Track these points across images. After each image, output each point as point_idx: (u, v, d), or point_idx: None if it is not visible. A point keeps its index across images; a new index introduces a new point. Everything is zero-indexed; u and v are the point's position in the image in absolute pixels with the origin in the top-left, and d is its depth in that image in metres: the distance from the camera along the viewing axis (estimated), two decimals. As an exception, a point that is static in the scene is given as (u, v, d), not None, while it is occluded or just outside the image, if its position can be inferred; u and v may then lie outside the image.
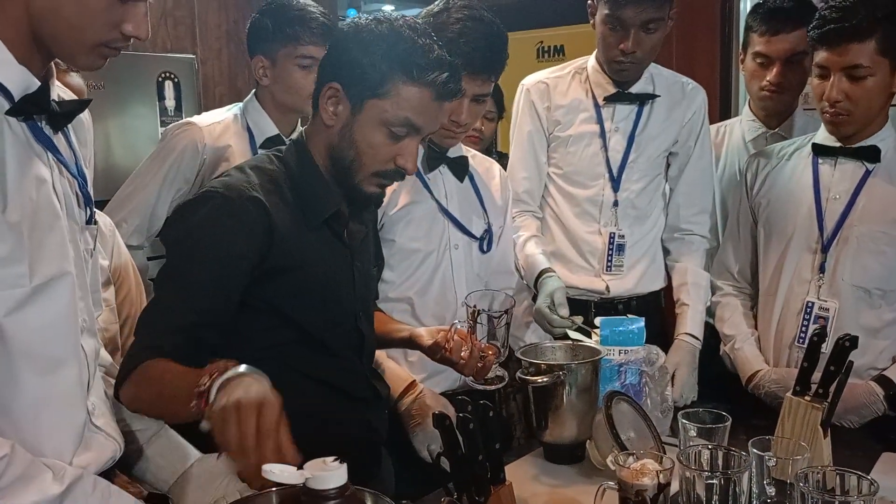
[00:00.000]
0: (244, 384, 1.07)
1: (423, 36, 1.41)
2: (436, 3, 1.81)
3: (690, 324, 2.10)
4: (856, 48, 1.78)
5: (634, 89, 2.19)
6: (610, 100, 2.18)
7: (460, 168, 1.93)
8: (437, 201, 1.90)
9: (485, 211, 1.98)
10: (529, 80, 2.27)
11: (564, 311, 1.93)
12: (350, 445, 1.36)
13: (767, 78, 2.31)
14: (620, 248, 2.18)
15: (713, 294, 2.19)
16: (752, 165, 2.12)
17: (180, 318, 1.31)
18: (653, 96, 2.18)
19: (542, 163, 2.24)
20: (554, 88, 2.23)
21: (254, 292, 1.39)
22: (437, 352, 1.56)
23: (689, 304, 2.13)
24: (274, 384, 1.27)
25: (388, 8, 5.09)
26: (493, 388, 1.64)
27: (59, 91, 1.23)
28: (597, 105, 2.19)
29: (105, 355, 1.40)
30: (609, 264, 2.19)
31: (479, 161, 2.06)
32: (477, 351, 1.54)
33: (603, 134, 2.18)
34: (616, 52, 2.08)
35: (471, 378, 1.60)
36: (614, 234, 2.18)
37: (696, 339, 2.09)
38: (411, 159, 1.42)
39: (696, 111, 2.22)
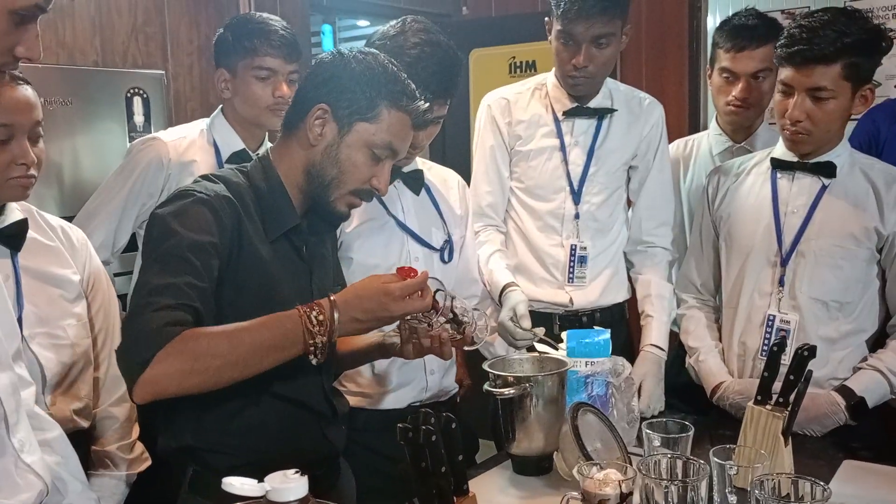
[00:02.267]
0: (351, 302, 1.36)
1: (402, 70, 1.52)
2: (391, 24, 1.83)
3: (655, 335, 2.12)
4: (821, 71, 1.81)
5: (593, 104, 2.22)
6: (569, 114, 2.21)
7: (415, 181, 1.96)
8: (393, 216, 1.92)
9: (444, 222, 2.00)
10: (491, 97, 2.31)
11: (527, 323, 1.95)
12: (305, 458, 1.38)
13: (733, 93, 2.35)
14: (582, 259, 2.21)
15: (678, 307, 2.22)
16: (713, 180, 2.15)
17: (185, 295, 1.31)
18: (611, 110, 2.22)
19: (505, 177, 2.27)
20: (515, 104, 2.27)
21: (216, 305, 1.40)
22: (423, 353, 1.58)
23: (653, 316, 2.16)
24: (230, 396, 1.36)
25: (362, 23, 5.12)
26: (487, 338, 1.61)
27: None
28: (556, 119, 2.23)
29: (28, 394, 1.29)
30: (571, 276, 2.21)
31: (435, 172, 2.08)
32: (445, 333, 1.54)
33: (563, 148, 2.22)
34: (569, 66, 2.12)
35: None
36: (576, 245, 2.20)
37: (662, 349, 2.11)
38: (384, 180, 1.51)
39: (653, 125, 2.26)
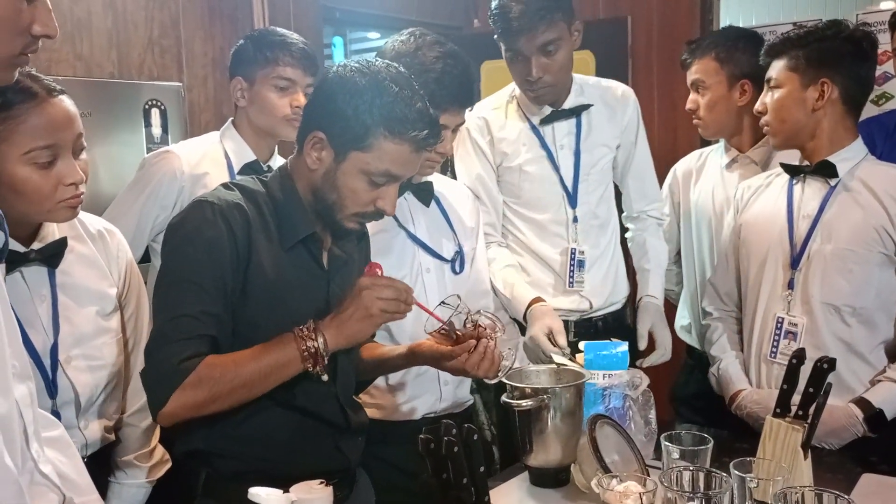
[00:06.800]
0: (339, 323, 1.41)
1: (406, 87, 1.45)
2: (399, 39, 1.82)
3: (653, 286, 2.24)
4: (774, 64, 1.99)
5: (567, 105, 2.23)
6: (546, 121, 2.22)
7: (425, 193, 1.95)
8: (403, 228, 1.92)
9: (454, 233, 2.01)
10: (468, 119, 2.26)
11: (563, 340, 1.97)
12: (315, 468, 1.39)
13: None
14: (581, 263, 2.22)
15: (703, 318, 2.23)
16: (739, 191, 2.18)
17: (199, 325, 1.39)
18: (586, 106, 2.23)
19: (496, 195, 2.28)
20: (493, 122, 2.26)
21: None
22: (449, 358, 1.58)
23: (650, 269, 2.27)
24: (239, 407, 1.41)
25: (373, 36, 5.14)
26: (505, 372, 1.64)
27: None
28: (535, 128, 2.24)
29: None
30: (571, 280, 2.22)
31: (446, 184, 2.08)
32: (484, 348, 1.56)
33: (551, 156, 2.23)
34: (525, 83, 2.13)
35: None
36: (574, 250, 2.22)
37: (658, 298, 2.24)
38: (390, 202, 1.49)
39: (631, 113, 2.31)
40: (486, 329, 1.57)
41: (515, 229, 2.28)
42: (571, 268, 2.21)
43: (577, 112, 2.22)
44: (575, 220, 2.22)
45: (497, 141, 2.24)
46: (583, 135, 2.22)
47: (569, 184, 2.22)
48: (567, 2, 2.11)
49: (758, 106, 2.02)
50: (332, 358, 1.49)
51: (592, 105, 2.23)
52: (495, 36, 2.14)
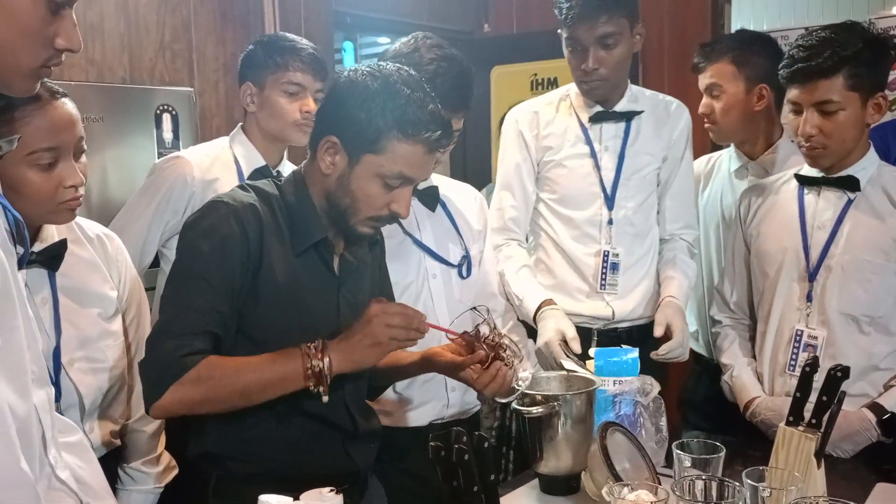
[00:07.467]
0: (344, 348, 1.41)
1: (418, 90, 1.46)
2: (403, 42, 1.84)
3: (676, 289, 2.16)
4: (824, 84, 1.84)
5: (619, 107, 2.22)
6: (595, 120, 2.21)
7: (430, 198, 1.95)
8: (408, 234, 1.91)
9: (461, 237, 2.00)
10: (518, 110, 2.30)
11: (577, 346, 1.95)
12: (325, 472, 1.39)
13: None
14: (614, 266, 2.20)
15: (713, 326, 2.21)
16: (745, 199, 2.15)
17: (205, 321, 1.40)
18: (637, 113, 2.22)
19: (530, 192, 2.26)
20: (542, 116, 2.27)
21: (238, 313, 1.45)
22: (461, 368, 1.58)
23: (675, 277, 2.18)
24: (252, 406, 1.42)
25: (383, 40, 5.14)
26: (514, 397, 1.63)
27: None
28: (583, 127, 2.22)
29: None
30: (603, 283, 2.19)
31: (451, 188, 2.07)
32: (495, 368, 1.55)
33: (594, 154, 2.21)
34: (580, 72, 2.13)
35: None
36: (608, 252, 2.19)
37: (680, 301, 2.16)
38: (405, 205, 1.49)
39: (681, 129, 2.27)
40: (504, 351, 1.56)
41: (549, 227, 2.26)
42: (604, 269, 2.19)
43: (627, 117, 2.21)
44: (610, 222, 2.20)
45: (543, 136, 2.24)
46: (630, 140, 2.21)
47: (608, 185, 2.20)
48: (632, 1, 2.12)
49: (809, 130, 1.87)
50: None
51: (643, 112, 2.22)
52: (559, 30, 2.14)
